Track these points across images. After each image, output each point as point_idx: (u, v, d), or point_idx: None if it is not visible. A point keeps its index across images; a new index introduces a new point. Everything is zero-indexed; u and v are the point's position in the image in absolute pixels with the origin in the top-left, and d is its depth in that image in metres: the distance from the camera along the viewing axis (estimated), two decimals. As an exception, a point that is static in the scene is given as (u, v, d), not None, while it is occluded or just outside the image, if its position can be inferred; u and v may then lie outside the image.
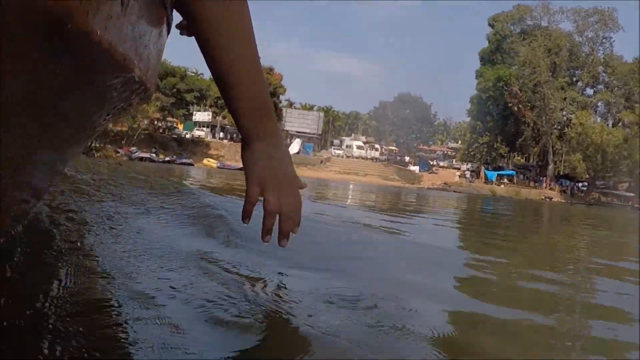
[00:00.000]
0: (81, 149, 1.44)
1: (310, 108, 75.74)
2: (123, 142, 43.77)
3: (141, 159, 40.02)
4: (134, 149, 43.13)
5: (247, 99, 1.18)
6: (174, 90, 54.72)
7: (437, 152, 72.13)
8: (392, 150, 69.98)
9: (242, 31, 1.18)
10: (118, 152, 39.91)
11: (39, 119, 0.79)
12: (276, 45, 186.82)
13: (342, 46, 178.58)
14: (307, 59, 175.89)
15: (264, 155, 1.18)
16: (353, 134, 75.03)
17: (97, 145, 36.34)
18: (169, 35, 1.31)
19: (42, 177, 1.20)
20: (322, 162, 58.06)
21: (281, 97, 61.34)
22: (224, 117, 58.08)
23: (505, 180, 61.18)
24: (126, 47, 0.81)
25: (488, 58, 65.73)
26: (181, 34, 1.33)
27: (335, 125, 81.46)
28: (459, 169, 66.55)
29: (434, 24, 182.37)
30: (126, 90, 1.00)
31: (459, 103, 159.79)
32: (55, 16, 0.58)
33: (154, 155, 42.76)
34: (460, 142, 75.64)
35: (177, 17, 1.23)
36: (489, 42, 66.82)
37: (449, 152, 72.98)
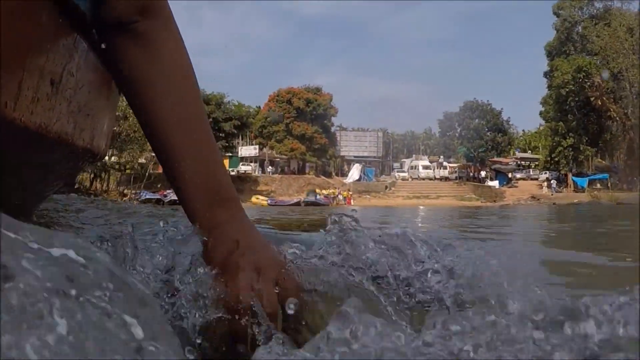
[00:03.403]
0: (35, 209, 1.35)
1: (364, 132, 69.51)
2: (159, 185, 37.84)
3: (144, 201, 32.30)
4: (169, 192, 37.03)
5: (197, 175, 0.87)
6: (210, 120, 47.59)
7: (510, 163, 64.06)
8: (463, 166, 62.44)
9: (181, 87, 0.90)
10: (125, 195, 33.26)
11: None
12: (319, 76, 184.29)
13: (387, 69, 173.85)
14: (353, 86, 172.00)
15: (227, 244, 0.83)
16: (414, 155, 68.39)
17: (99, 186, 30.19)
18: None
19: None
20: (386, 187, 51.35)
21: (333, 119, 55.40)
22: (271, 148, 52.18)
23: (599, 186, 52.81)
24: (62, 124, 0.78)
25: (558, 50, 58.08)
26: None
27: (392, 148, 74.92)
28: (536, 179, 58.46)
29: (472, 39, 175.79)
30: (70, 160, 0.96)
31: (521, 110, 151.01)
32: None
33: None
34: (528, 150, 68.04)
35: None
36: (557, 32, 59.24)
37: (522, 163, 64.94)
